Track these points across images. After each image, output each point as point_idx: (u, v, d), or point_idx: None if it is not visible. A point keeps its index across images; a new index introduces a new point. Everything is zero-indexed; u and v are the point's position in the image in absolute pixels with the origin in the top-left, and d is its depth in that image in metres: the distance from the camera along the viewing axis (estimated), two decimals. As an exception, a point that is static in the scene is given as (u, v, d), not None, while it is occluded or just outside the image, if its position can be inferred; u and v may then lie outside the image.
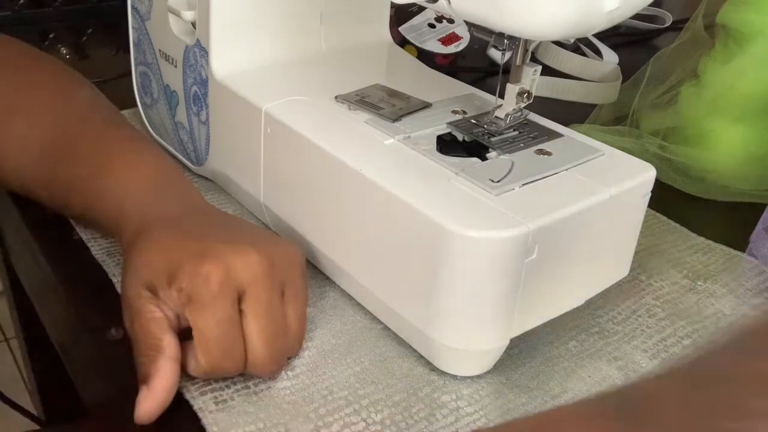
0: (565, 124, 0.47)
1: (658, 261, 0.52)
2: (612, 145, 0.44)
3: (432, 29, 0.81)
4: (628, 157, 0.44)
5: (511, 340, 0.40)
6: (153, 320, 0.36)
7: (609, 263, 0.44)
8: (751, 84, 0.60)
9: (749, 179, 0.60)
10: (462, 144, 0.44)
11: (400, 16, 0.79)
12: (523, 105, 0.43)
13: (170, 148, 0.60)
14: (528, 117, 0.46)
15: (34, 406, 1.00)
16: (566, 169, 0.41)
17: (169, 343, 0.36)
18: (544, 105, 0.50)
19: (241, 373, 0.38)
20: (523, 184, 0.39)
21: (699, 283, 0.50)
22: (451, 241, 0.36)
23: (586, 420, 0.21)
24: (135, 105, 0.63)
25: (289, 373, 0.40)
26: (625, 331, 0.45)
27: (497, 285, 0.37)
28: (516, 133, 0.44)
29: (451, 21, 0.82)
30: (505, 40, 0.40)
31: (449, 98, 0.49)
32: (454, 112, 0.47)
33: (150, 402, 0.36)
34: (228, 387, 0.38)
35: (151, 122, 0.62)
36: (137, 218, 0.41)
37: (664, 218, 0.57)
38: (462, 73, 0.81)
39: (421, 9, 0.80)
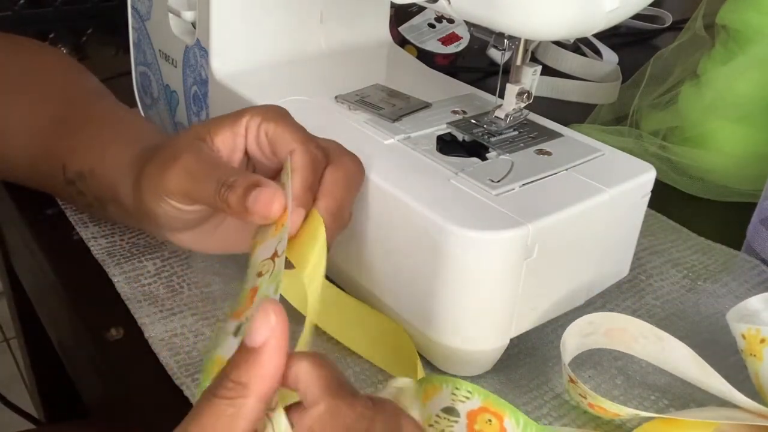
0: (565, 124, 0.47)
1: (658, 261, 0.52)
2: (612, 145, 0.44)
3: (432, 29, 0.81)
4: (628, 157, 0.44)
5: (511, 340, 0.40)
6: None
7: (609, 263, 0.44)
8: (751, 84, 0.60)
9: (749, 179, 0.60)
10: (462, 144, 0.44)
11: (400, 16, 0.79)
12: (523, 105, 0.43)
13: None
14: (528, 117, 0.46)
15: (34, 406, 1.00)
16: (566, 169, 0.41)
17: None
18: (544, 105, 0.50)
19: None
20: (523, 184, 0.39)
21: (699, 283, 0.50)
22: (451, 241, 0.36)
23: None
24: (135, 105, 0.63)
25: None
26: (625, 331, 0.45)
27: (497, 285, 0.37)
28: (516, 133, 0.44)
29: (451, 21, 0.82)
30: (505, 40, 0.40)
31: (449, 98, 0.49)
32: (454, 112, 0.47)
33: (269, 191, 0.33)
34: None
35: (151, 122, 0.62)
36: (144, 153, 0.41)
37: (664, 218, 0.57)
38: (462, 73, 0.81)
39: (421, 9, 0.80)
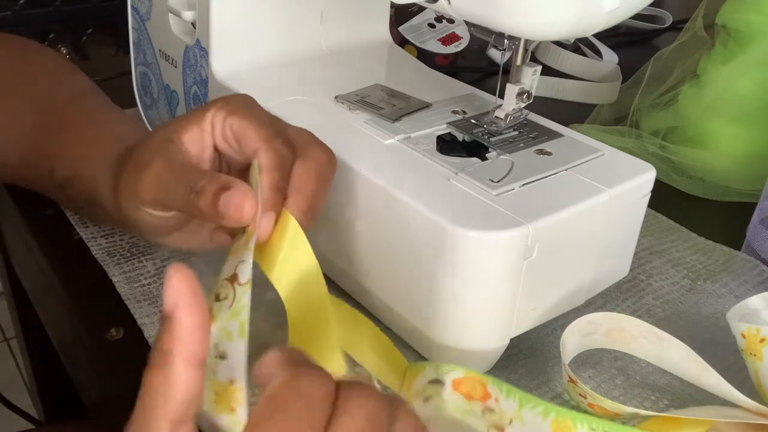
0: (565, 124, 0.47)
1: (658, 261, 0.52)
2: (612, 145, 0.44)
3: (432, 29, 0.81)
4: (628, 157, 0.44)
5: (511, 340, 0.40)
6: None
7: (609, 263, 0.44)
8: (751, 84, 0.60)
9: (749, 179, 0.60)
10: (462, 144, 0.44)
11: (400, 16, 0.79)
12: (523, 105, 0.43)
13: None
14: (528, 117, 0.46)
15: (34, 406, 1.00)
16: (566, 169, 0.41)
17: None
18: (544, 105, 0.50)
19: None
20: (523, 184, 0.39)
21: (699, 283, 0.50)
22: (451, 241, 0.36)
23: None
24: (135, 105, 0.63)
25: (289, 373, 0.40)
26: (625, 331, 0.45)
27: (497, 285, 0.37)
28: (516, 133, 0.44)
29: (451, 21, 0.82)
30: (505, 40, 0.40)
31: (449, 98, 0.49)
32: (454, 112, 0.47)
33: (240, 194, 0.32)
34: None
35: (151, 122, 0.62)
36: (119, 159, 0.40)
37: (664, 218, 0.57)
38: (462, 73, 0.81)
39: (421, 9, 0.80)
